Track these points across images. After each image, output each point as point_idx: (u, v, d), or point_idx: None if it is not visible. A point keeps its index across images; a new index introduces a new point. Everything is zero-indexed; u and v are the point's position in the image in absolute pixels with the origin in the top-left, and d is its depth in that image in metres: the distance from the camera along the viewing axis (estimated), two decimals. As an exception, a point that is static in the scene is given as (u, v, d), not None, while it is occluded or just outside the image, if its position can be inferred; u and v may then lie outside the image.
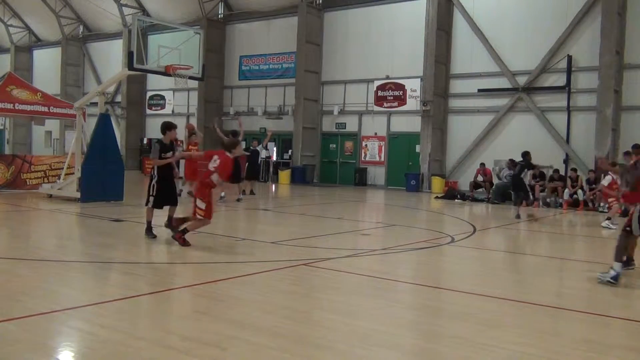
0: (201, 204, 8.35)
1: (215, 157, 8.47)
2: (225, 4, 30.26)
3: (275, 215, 14.07)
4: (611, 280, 6.75)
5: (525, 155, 15.32)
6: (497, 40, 22.11)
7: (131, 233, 10.19)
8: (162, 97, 33.42)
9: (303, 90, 26.12)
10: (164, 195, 9.15)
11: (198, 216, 8.37)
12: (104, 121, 14.64)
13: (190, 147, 16.76)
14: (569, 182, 17.97)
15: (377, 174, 25.48)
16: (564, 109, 20.61)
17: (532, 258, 9.08)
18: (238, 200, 15.62)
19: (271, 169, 27.28)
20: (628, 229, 6.96)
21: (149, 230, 9.19)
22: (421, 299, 6.24)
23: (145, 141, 33.17)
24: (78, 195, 14.12)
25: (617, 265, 6.78)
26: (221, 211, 14.01)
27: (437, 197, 20.09)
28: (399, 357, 4.32)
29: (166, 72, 13.95)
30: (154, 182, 9.14)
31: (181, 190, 16.34)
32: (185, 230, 8.46)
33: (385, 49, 24.79)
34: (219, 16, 30.31)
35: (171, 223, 9.03)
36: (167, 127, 9.42)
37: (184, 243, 8.40)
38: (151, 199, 9.09)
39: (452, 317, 5.47)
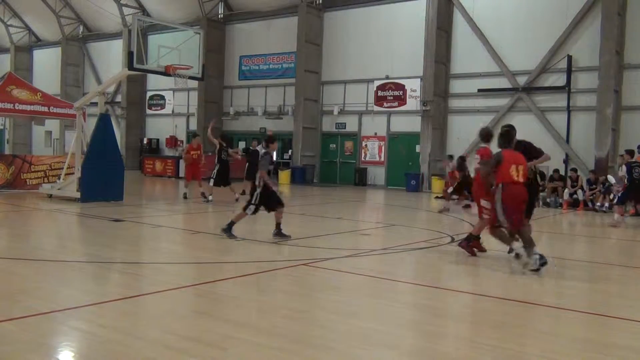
0: (487, 204, 8.12)
1: (477, 156, 8.51)
2: (225, 4, 30.25)
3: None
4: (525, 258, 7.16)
5: (463, 160, 16.47)
6: (497, 40, 22.10)
7: (131, 233, 10.18)
8: (162, 97, 33.42)
9: (303, 90, 26.12)
10: (268, 202, 9.26)
11: (484, 216, 8.16)
12: (104, 121, 14.63)
13: (191, 151, 16.70)
14: (568, 182, 17.98)
15: (377, 174, 25.48)
16: (564, 109, 20.61)
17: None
18: (236, 200, 15.55)
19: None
20: (497, 225, 7.46)
21: (229, 230, 9.20)
22: (421, 299, 6.24)
23: (145, 141, 33.17)
24: (78, 195, 14.12)
25: (515, 245, 7.27)
26: (221, 211, 14.01)
27: (437, 197, 20.08)
28: (399, 357, 4.32)
29: (166, 72, 13.96)
30: (258, 191, 9.17)
31: (185, 193, 16.31)
32: (472, 237, 8.35)
33: (385, 49, 24.78)
34: (219, 16, 30.30)
35: (279, 230, 9.23)
36: (272, 140, 9.75)
37: (481, 249, 8.41)
38: (252, 207, 9.14)
39: (452, 317, 5.47)
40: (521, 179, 7.39)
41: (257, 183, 9.22)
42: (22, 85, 17.84)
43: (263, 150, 9.72)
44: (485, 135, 8.86)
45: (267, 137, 9.90)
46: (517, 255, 7.23)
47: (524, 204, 7.54)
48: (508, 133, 7.86)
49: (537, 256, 7.15)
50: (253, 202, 9.13)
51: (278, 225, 9.30)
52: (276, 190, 9.39)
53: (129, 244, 9.11)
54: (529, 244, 7.35)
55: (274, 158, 9.49)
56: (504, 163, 7.41)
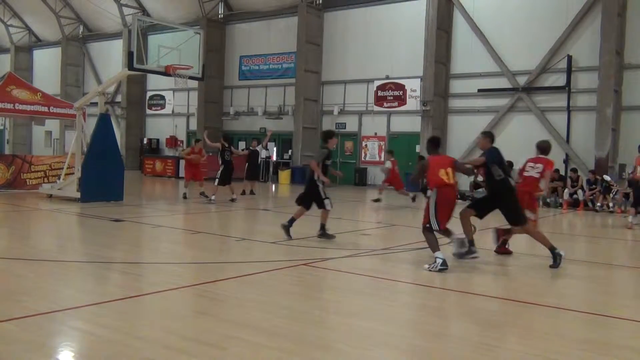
0: (532, 215, 8.54)
1: (539, 165, 8.58)
2: (225, 4, 30.25)
3: (275, 215, 14.06)
4: (442, 267, 7.20)
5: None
6: (497, 40, 22.10)
7: (131, 233, 10.18)
8: (162, 97, 33.41)
9: (303, 90, 26.11)
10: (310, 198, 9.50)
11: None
12: (104, 121, 14.62)
13: (192, 154, 16.77)
14: (569, 182, 17.98)
15: (377, 174, 25.45)
16: (564, 109, 20.61)
17: (532, 258, 9.07)
18: (232, 200, 15.55)
19: (271, 169, 27.27)
20: (428, 225, 7.65)
21: (322, 230, 9.43)
22: (421, 299, 6.24)
23: (145, 141, 33.16)
24: (78, 195, 14.12)
25: (439, 254, 7.31)
26: (221, 211, 14.02)
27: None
28: (399, 357, 4.32)
29: (166, 72, 13.96)
30: (321, 185, 9.34)
31: (185, 193, 16.32)
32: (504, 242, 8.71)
33: (385, 49, 24.78)
34: (219, 16, 30.31)
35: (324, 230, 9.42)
36: (330, 135, 9.69)
37: (506, 251, 8.75)
38: (327, 201, 9.38)
39: (452, 317, 5.47)
40: (451, 181, 7.74)
41: (316, 178, 9.32)
42: (22, 85, 17.83)
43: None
44: (546, 148, 9.02)
45: (325, 133, 9.73)
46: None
47: (453, 205, 7.88)
48: (434, 139, 8.30)
49: (441, 260, 7.28)
50: (324, 197, 9.35)
51: (292, 221, 9.39)
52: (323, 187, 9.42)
53: (129, 244, 9.11)
54: (450, 235, 7.92)
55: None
56: (431, 168, 7.76)
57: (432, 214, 7.60)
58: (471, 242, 7.97)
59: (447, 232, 7.88)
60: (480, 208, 8.38)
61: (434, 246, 7.45)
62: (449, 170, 7.73)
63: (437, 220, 7.58)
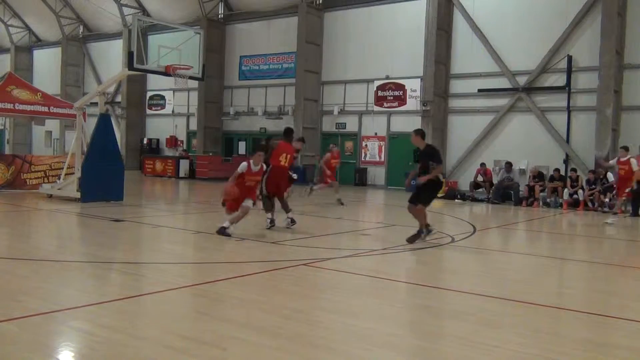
0: None
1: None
2: (225, 4, 30.25)
3: (275, 216, 14.03)
4: (270, 225, 10.27)
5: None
6: (497, 40, 22.10)
7: (131, 233, 10.19)
8: (162, 97, 33.40)
9: (303, 90, 26.10)
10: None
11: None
12: (104, 121, 14.63)
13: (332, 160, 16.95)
14: (568, 182, 17.97)
15: (377, 174, 25.48)
16: (564, 109, 20.61)
17: (532, 258, 9.09)
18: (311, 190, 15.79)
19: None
20: (264, 192, 10.19)
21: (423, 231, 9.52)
22: (421, 299, 6.24)
23: (145, 141, 33.15)
24: (78, 195, 14.12)
25: (270, 214, 10.34)
26: (221, 211, 14.00)
27: (437, 197, 20.05)
28: (399, 357, 4.32)
29: (166, 72, 13.96)
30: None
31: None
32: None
33: (385, 49, 24.77)
34: (219, 16, 30.30)
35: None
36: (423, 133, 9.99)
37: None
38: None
39: (452, 317, 5.46)
40: (286, 164, 10.31)
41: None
42: (22, 85, 17.83)
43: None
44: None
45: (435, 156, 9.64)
46: (292, 221, 10.27)
47: (283, 180, 10.47)
48: (288, 130, 10.94)
49: (269, 220, 10.22)
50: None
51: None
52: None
53: (129, 244, 9.12)
54: (286, 209, 10.42)
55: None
56: (278, 150, 10.21)
57: (264, 183, 10.02)
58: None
59: (284, 206, 10.46)
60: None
61: (268, 208, 10.23)
62: (288, 155, 10.24)
63: (266, 188, 10.10)
